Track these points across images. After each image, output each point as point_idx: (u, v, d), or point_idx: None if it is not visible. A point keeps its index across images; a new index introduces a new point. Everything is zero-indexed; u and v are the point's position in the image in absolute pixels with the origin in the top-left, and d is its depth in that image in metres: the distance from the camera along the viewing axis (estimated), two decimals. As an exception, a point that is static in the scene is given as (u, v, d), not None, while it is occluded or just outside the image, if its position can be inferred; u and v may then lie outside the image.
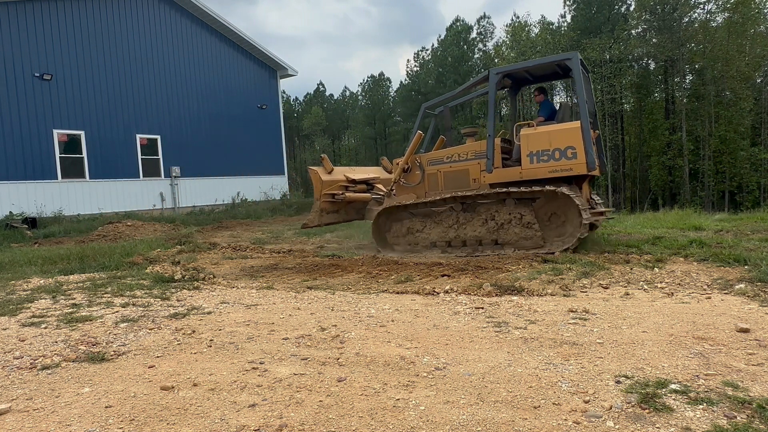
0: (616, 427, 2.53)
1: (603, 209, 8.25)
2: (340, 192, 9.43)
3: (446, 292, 5.61)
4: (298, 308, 5.21)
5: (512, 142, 8.36)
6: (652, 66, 38.11)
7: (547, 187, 7.47)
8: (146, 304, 5.59)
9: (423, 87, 58.28)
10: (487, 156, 8.08)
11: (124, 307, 5.47)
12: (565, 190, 7.39)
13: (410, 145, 8.84)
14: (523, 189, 7.64)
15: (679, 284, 5.48)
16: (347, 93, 74.89)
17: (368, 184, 9.78)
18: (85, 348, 4.10)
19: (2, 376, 3.58)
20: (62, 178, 16.63)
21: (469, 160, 8.47)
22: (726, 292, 5.13)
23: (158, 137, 19.46)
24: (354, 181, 9.63)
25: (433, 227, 8.36)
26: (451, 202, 8.23)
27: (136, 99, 18.89)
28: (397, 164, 9.18)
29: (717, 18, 33.41)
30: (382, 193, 9.50)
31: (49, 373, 3.60)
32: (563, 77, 8.72)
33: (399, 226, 8.68)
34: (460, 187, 8.46)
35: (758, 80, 31.84)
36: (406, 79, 62.53)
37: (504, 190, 7.78)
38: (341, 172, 9.68)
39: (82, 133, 17.19)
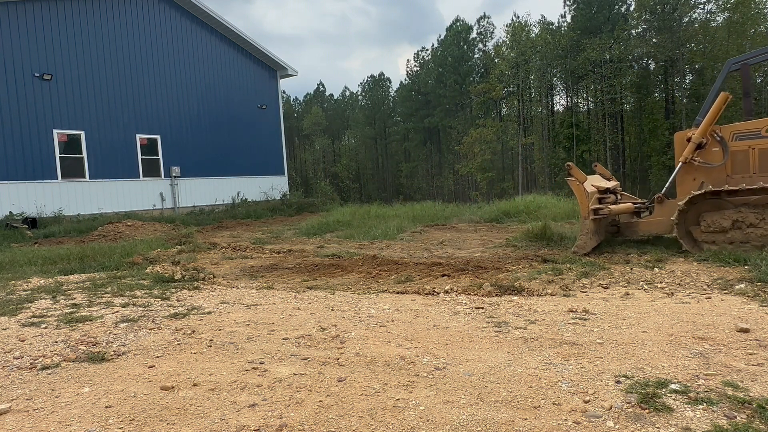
0: (616, 427, 2.53)
1: None
2: (602, 206, 7.46)
3: (446, 292, 5.61)
4: (298, 308, 5.21)
5: None
6: (652, 66, 38.15)
7: None
8: (146, 304, 5.59)
9: (423, 87, 58.33)
10: None
11: (124, 307, 5.47)
12: None
13: (710, 113, 7.08)
14: None
15: (679, 284, 5.48)
16: (347, 93, 74.93)
17: (615, 193, 8.15)
18: (85, 348, 4.10)
19: (2, 376, 3.58)
20: (62, 178, 16.61)
21: None
22: (726, 292, 5.13)
23: (158, 137, 19.45)
24: (607, 191, 7.89)
25: None
26: None
27: (136, 99, 18.88)
28: (687, 140, 7.30)
29: (717, 18, 33.45)
30: (639, 202, 8.09)
31: (49, 373, 3.60)
32: None
33: (718, 219, 6.76)
34: None
35: (758, 80, 31.85)
36: (406, 79, 62.59)
37: None
38: (588, 182, 7.74)
39: (82, 133, 17.17)
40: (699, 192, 6.87)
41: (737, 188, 6.65)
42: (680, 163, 7.36)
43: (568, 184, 7.70)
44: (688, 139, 7.31)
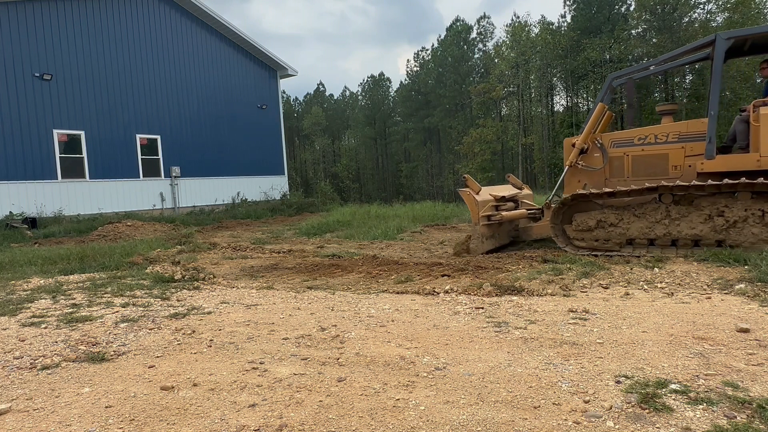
0: (616, 427, 2.52)
1: None
2: (495, 213, 8.12)
3: (446, 292, 5.61)
4: (298, 308, 5.21)
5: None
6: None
7: None
8: (146, 304, 5.59)
9: (423, 87, 58.32)
10: (709, 139, 6.83)
11: (124, 307, 5.47)
12: None
13: (590, 121, 7.79)
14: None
15: (679, 284, 5.48)
16: (347, 93, 74.96)
17: (515, 201, 8.76)
18: (85, 348, 4.10)
19: (2, 376, 3.58)
20: (62, 178, 16.62)
21: (669, 143, 7.27)
22: (726, 292, 5.12)
23: (158, 137, 19.45)
24: (504, 199, 8.49)
25: (633, 221, 7.03)
26: (665, 191, 6.84)
27: (136, 99, 18.89)
28: (572, 145, 7.99)
29: (717, 18, 33.45)
30: (535, 208, 8.69)
31: (49, 373, 3.60)
32: None
33: (585, 219, 7.34)
34: (654, 174, 7.34)
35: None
36: (405, 79, 62.61)
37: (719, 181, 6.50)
38: (485, 192, 8.39)
39: (82, 133, 17.18)
40: (556, 206, 7.59)
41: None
42: (567, 167, 8.04)
43: (459, 194, 8.29)
44: (573, 145, 8.01)
